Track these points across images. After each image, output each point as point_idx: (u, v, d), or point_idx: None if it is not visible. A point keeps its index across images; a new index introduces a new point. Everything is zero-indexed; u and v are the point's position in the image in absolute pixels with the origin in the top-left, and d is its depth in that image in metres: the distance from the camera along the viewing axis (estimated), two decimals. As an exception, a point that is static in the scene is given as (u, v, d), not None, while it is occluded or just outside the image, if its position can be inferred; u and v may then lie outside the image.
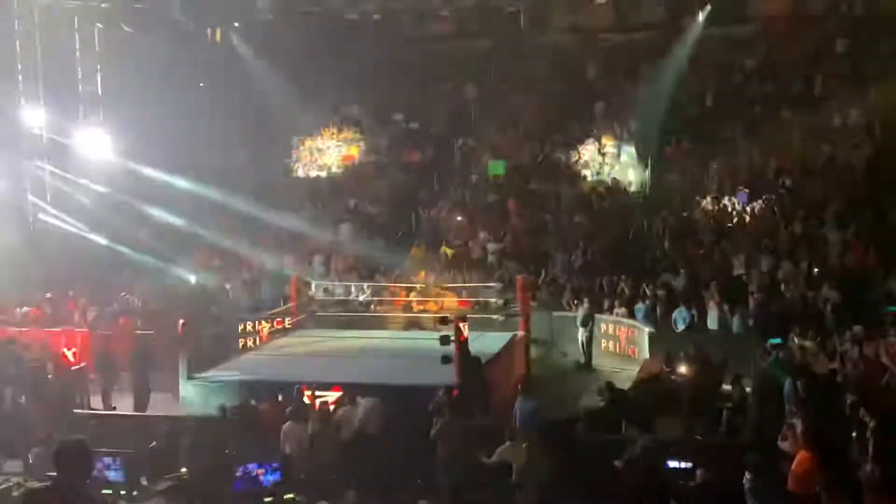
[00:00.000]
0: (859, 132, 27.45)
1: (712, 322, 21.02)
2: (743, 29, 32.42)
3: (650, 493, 12.36)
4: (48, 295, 25.04)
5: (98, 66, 29.26)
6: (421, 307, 23.98)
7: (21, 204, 27.38)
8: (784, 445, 12.44)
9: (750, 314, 20.55)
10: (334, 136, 33.57)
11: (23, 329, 21.99)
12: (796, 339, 18.07)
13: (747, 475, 11.86)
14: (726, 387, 16.31)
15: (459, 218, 28.69)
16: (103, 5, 29.11)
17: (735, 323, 20.58)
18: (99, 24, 29.03)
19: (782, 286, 21.54)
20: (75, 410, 16.93)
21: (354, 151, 33.19)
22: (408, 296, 24.80)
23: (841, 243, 22.93)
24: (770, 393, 15.63)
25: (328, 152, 33.29)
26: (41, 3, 27.56)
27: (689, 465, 12.77)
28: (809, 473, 11.54)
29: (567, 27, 33.54)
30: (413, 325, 23.26)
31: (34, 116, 27.61)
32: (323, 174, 32.66)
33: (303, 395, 15.57)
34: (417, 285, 24.79)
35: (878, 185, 25.08)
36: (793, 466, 11.86)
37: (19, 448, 13.81)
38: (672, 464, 13.08)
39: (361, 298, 25.15)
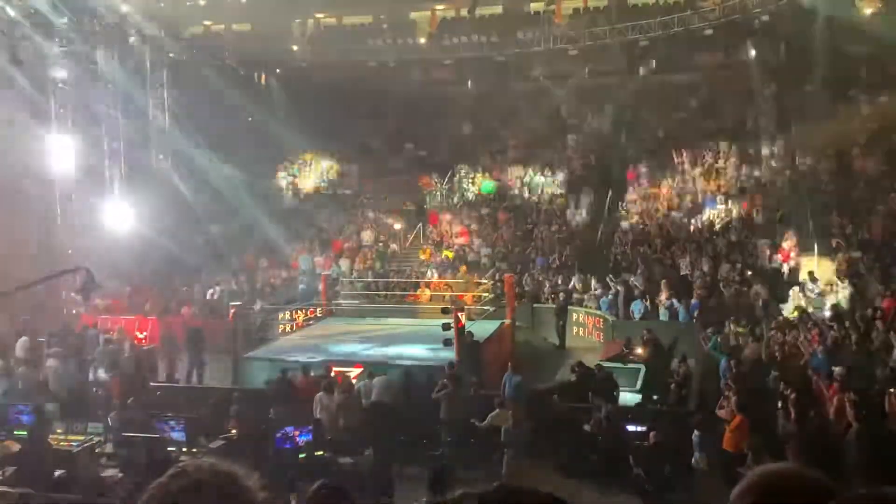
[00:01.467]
0: (783, 159, 27.44)
1: (663, 313, 20.99)
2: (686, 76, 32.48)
3: (612, 451, 12.37)
4: (127, 288, 25.03)
5: (165, 104, 29.25)
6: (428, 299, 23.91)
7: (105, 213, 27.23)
8: (721, 413, 12.45)
9: (693, 306, 20.51)
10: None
11: (104, 316, 21.98)
12: (732, 326, 18.05)
13: (696, 432, 11.85)
14: (674, 365, 16.28)
15: (459, 227, 28.66)
16: (171, 55, 29.14)
17: (681, 313, 20.53)
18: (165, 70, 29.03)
19: (720, 284, 21.52)
20: (146, 383, 16.91)
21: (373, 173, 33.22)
22: (416, 290, 24.80)
23: (768, 248, 22.90)
24: (710, 370, 15.64)
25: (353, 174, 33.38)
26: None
27: (644, 428, 12.76)
28: (741, 435, 11.55)
29: (545, 74, 33.55)
30: (423, 314, 23.21)
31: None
32: (348, 192, 32.65)
33: (331, 371, 15.55)
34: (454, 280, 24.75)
35: (797, 201, 25.07)
36: (727, 429, 11.87)
37: (101, 413, 13.78)
38: (630, 427, 13.08)
39: (380, 292, 25.15)
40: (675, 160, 28.81)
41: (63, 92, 24.78)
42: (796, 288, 19.78)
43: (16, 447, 11.52)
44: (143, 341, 20.22)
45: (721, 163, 28.38)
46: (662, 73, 32.75)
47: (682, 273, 22.87)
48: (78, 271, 10.61)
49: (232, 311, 19.51)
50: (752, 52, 30.81)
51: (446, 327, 17.05)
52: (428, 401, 14.26)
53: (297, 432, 12.37)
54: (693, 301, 20.62)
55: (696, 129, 30.60)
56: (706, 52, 32.31)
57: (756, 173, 27.22)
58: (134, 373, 16.72)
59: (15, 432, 12.28)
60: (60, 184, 24.61)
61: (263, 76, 34.55)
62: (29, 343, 18.61)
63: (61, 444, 12.03)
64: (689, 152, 29.09)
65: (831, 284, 19.51)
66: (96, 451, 12.13)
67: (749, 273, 21.65)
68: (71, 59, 25.27)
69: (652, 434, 12.22)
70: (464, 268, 25.61)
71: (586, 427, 13.14)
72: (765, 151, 28.26)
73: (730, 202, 25.98)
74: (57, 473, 10.61)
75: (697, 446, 12.07)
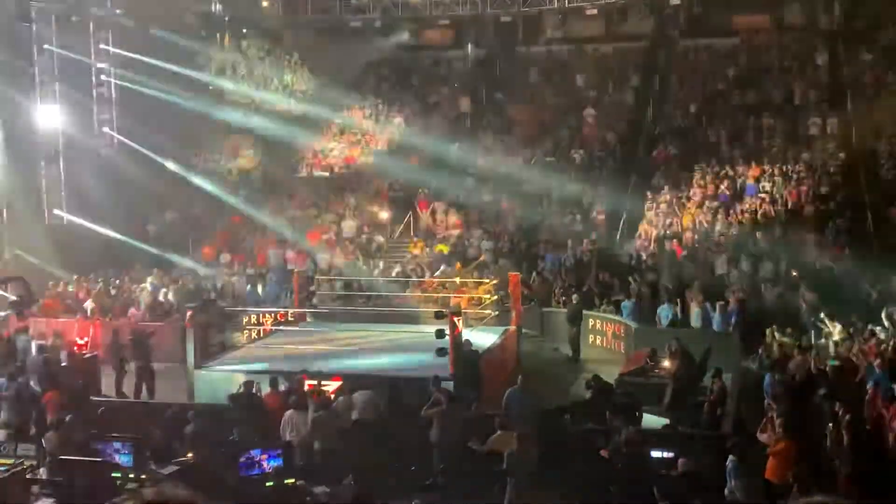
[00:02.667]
0: (837, 139, 27.53)
1: (695, 319, 21.02)
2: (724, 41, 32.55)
3: (634, 481, 12.36)
4: (62, 286, 25.03)
5: (112, 68, 29.15)
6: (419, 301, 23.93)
7: (36, 200, 27.29)
8: (763, 437, 12.47)
9: (730, 312, 20.54)
10: (337, 138, 33.56)
11: (37, 318, 21.95)
12: (775, 336, 18.09)
13: (731, 458, 11.87)
14: (707, 380, 16.30)
15: (455, 217, 28.65)
16: (118, 11, 29.05)
17: (716, 320, 20.56)
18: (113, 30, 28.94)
19: (762, 286, 21.55)
20: (87, 397, 16.87)
21: (356, 153, 33.14)
22: (405, 290, 24.79)
23: (818, 245, 22.95)
24: (749, 387, 15.67)
25: (331, 153, 33.28)
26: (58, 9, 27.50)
27: (672, 454, 12.75)
28: (786, 463, 11.56)
29: (559, 38, 33.55)
30: (412, 319, 23.21)
31: (49, 115, 27.50)
32: (326, 174, 32.59)
33: (304, 384, 15.54)
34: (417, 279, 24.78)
35: (855, 188, 25.16)
36: (770, 456, 11.89)
37: (33, 432, 13.76)
38: (655, 453, 13.07)
39: (361, 293, 25.15)
40: (710, 139, 28.86)
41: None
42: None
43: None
44: (84, 348, 20.16)
45: (764, 143, 28.44)
46: (696, 38, 32.81)
47: (717, 273, 22.90)
48: (11, 283, 10.59)
49: (188, 313, 19.46)
50: (802, 13, 30.85)
51: (440, 334, 17.04)
52: (418, 420, 14.25)
53: (264, 456, 12.35)
54: (730, 306, 20.65)
55: (735, 104, 30.66)
56: (747, 12, 32.36)
57: (805, 155, 27.26)
58: (72, 385, 16.67)
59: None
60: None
61: (227, 37, 34.46)
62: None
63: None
64: (727, 130, 29.15)
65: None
66: (27, 477, 12.10)
67: (795, 273, 21.70)
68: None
69: (680, 461, 12.22)
70: (458, 265, 25.64)
71: (603, 452, 13.13)
72: (815, 130, 28.31)
73: (774, 189, 26.02)
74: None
75: (733, 475, 12.07)
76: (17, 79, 26.61)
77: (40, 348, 18.09)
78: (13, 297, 21.47)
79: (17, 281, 22.10)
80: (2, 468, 12.05)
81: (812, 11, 31.78)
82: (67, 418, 13.65)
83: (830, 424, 12.48)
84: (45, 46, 27.40)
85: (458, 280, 24.12)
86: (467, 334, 18.07)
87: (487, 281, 23.80)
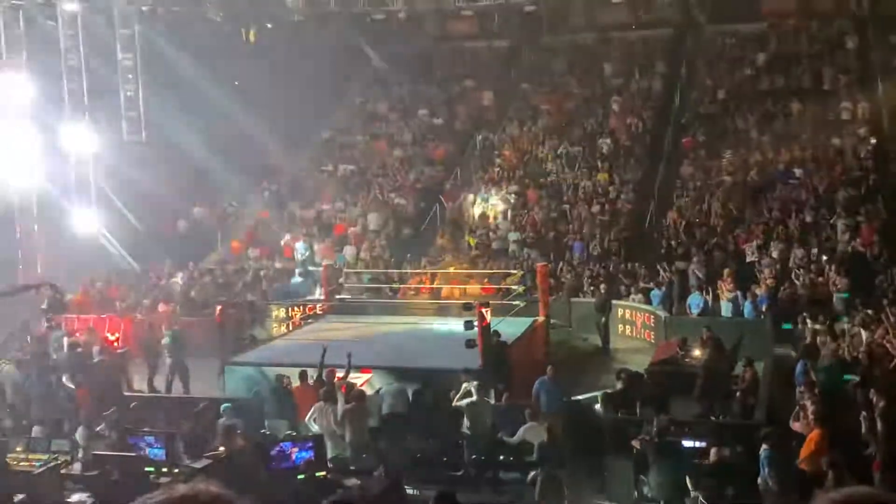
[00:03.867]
0: (868, 123, 27.26)
1: (725, 307, 20.91)
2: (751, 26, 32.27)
3: (666, 471, 12.33)
4: (98, 283, 25.29)
5: (137, 67, 29.32)
6: (447, 293, 23.95)
7: (66, 197, 27.55)
8: (796, 426, 12.39)
9: (761, 300, 20.42)
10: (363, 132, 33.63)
11: (69, 315, 22.17)
12: (808, 323, 17.96)
13: (764, 447, 11.80)
14: (739, 369, 16.22)
15: (481, 209, 28.62)
16: (143, 8, 29.19)
17: (747, 308, 20.44)
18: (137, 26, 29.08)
19: (793, 273, 21.41)
20: (119, 393, 17.04)
21: (381, 145, 33.19)
22: (432, 282, 24.81)
23: (849, 230, 22.76)
24: (781, 375, 15.57)
25: (357, 147, 33.37)
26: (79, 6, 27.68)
27: (703, 444, 12.72)
28: (819, 452, 11.48)
29: (584, 26, 33.40)
30: (441, 311, 23.24)
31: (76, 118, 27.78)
32: (351, 167, 32.63)
33: (333, 377, 15.60)
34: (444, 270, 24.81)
35: (886, 173, 24.92)
36: (804, 445, 11.81)
37: (67, 428, 13.91)
38: (687, 443, 13.04)
39: (390, 286, 25.22)
40: (739, 125, 28.66)
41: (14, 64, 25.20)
42: None
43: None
44: (115, 344, 20.36)
45: (794, 128, 28.19)
46: (723, 23, 32.55)
47: (747, 260, 22.77)
48: (42, 287, 10.68)
49: (218, 308, 19.60)
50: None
51: (469, 326, 17.05)
52: (448, 412, 14.27)
53: (295, 449, 12.42)
54: (760, 293, 20.51)
55: (764, 89, 30.42)
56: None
57: (835, 141, 27.01)
58: (105, 381, 16.84)
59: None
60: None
61: (252, 32, 34.57)
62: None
63: (21, 464, 12.16)
64: (755, 116, 28.93)
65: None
66: (62, 472, 12.25)
67: (826, 259, 21.53)
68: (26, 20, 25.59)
69: (713, 450, 12.18)
70: (446, 238, 25.83)
71: (635, 443, 13.11)
72: (845, 115, 28.04)
73: (804, 175, 25.80)
74: (16, 499, 10.73)
75: (766, 464, 12.00)
76: (48, 77, 26.86)
77: (73, 345, 18.28)
78: (44, 304, 21.68)
79: (48, 286, 22.33)
80: (36, 463, 12.21)
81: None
82: (101, 414, 13.82)
83: (864, 412, 12.38)
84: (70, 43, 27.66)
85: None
86: (496, 325, 18.07)
87: (515, 272, 23.82)
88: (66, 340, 18.84)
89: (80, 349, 18.05)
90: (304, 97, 32.02)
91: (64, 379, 17.13)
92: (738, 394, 15.51)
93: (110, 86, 28.69)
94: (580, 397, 16.11)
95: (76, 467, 12.44)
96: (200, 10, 30.63)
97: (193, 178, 30.48)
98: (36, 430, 13.77)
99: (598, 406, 15.05)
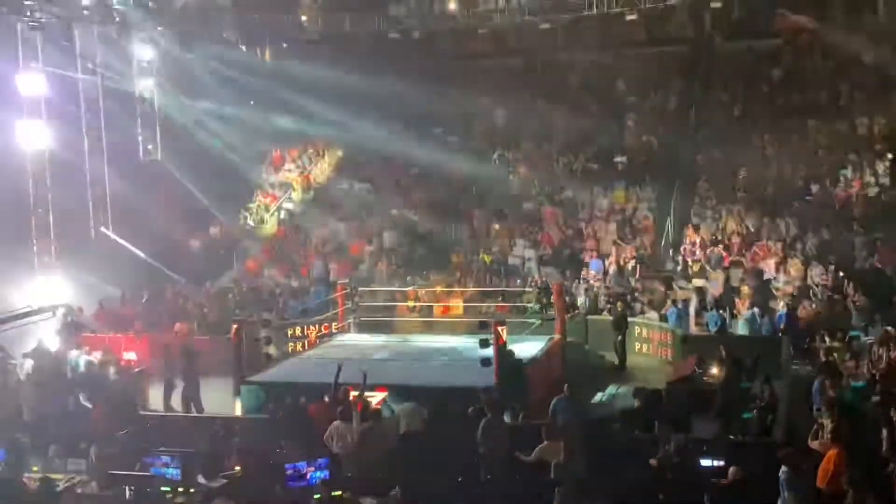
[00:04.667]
0: (885, 140, 27.14)
1: (743, 325, 20.80)
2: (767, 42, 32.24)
3: (684, 490, 12.26)
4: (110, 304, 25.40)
5: (152, 85, 29.54)
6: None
7: (83, 216, 27.76)
8: (815, 444, 12.30)
9: (779, 317, 20.32)
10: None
11: (86, 334, 22.26)
12: (826, 340, 17.86)
13: (783, 468, 11.71)
14: (757, 388, 16.11)
15: (497, 226, 28.61)
16: (159, 28, 29.40)
17: (765, 325, 20.34)
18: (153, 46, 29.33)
19: (810, 290, 21.30)
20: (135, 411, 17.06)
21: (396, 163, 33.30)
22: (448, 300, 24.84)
23: (867, 247, 22.64)
24: (800, 393, 15.48)
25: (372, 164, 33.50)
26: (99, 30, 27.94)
27: (722, 463, 12.62)
28: (838, 471, 11.38)
29: (599, 43, 33.41)
30: (457, 328, 23.22)
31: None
32: (367, 185, 32.71)
33: (349, 395, 15.58)
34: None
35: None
36: (822, 464, 11.71)
37: (83, 447, 13.93)
38: (705, 462, 12.95)
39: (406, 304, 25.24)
40: (755, 142, 28.60)
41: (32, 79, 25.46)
42: None
43: (-15, 488, 11.68)
44: (132, 363, 20.41)
45: (810, 144, 28.11)
46: (738, 40, 32.52)
47: (765, 277, 22.67)
48: (58, 309, 10.74)
49: (234, 326, 19.65)
50: (846, 13, 30.47)
51: (484, 344, 17.02)
52: (463, 431, 14.22)
53: (310, 468, 12.40)
54: (779, 310, 20.40)
55: (779, 106, 30.34)
56: (791, 12, 32.02)
57: (852, 157, 26.90)
58: (121, 400, 16.87)
59: (-15, 471, 12.46)
60: (35, 174, 25.41)
61: (267, 52, 34.79)
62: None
63: (37, 483, 12.17)
64: (772, 132, 28.85)
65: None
66: (78, 491, 12.27)
67: (843, 276, 21.41)
68: (44, 38, 25.82)
69: (731, 469, 12.08)
70: (461, 256, 26.09)
71: (652, 461, 13.04)
72: (862, 131, 27.93)
73: (820, 191, 25.70)
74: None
75: (785, 484, 11.90)
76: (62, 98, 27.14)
77: (90, 364, 18.34)
78: (59, 325, 21.81)
79: (62, 308, 22.45)
80: (54, 483, 12.23)
81: (857, 10, 31.32)
82: (118, 434, 13.85)
83: (885, 430, 12.28)
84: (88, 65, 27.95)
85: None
86: (512, 343, 18.04)
87: (530, 290, 23.79)
88: (83, 359, 18.91)
89: (96, 368, 18.11)
90: (320, 115, 32.12)
91: (81, 398, 17.18)
92: (755, 412, 15.41)
93: (127, 104, 28.96)
94: (597, 416, 16.03)
95: (92, 486, 12.45)
96: (216, 31, 30.84)
97: (208, 197, 30.60)
98: (53, 449, 13.81)
99: (615, 425, 14.98)
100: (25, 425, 15.92)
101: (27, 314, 21.13)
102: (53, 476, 12.44)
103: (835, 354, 17.13)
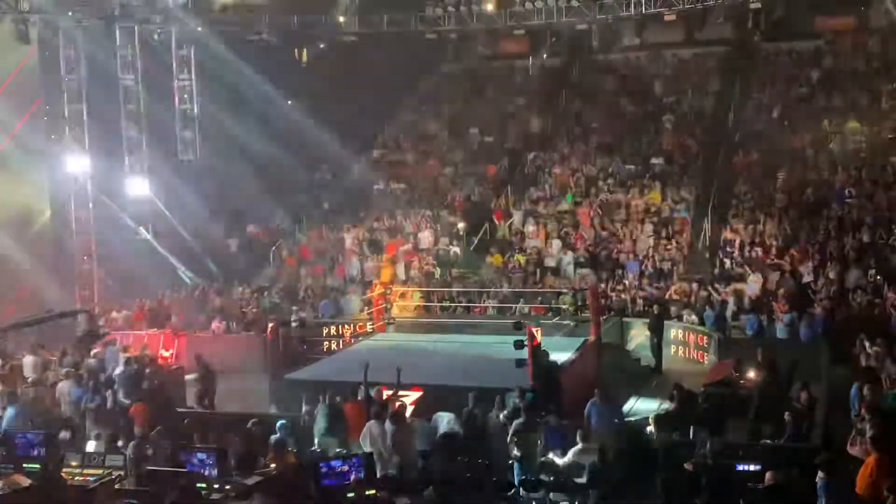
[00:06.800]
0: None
1: (781, 329, 20.60)
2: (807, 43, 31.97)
3: (719, 494, 12.17)
4: (148, 303, 25.66)
5: (192, 86, 29.76)
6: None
7: (120, 220, 28.07)
8: (854, 451, 12.13)
9: (818, 321, 20.10)
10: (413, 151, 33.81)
11: (123, 332, 22.50)
12: (866, 345, 17.62)
13: (820, 475, 11.58)
14: (794, 392, 15.94)
15: (533, 227, 28.54)
16: (199, 29, 29.63)
17: (803, 329, 20.13)
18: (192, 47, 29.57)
19: (850, 294, 21.05)
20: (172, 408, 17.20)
21: (432, 164, 33.33)
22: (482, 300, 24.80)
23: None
24: (839, 398, 15.29)
25: (408, 165, 33.55)
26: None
27: (758, 467, 12.50)
28: (878, 478, 11.21)
29: (636, 44, 33.27)
30: (491, 329, 23.20)
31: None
32: (402, 185, 32.78)
33: (382, 395, 15.62)
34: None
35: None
36: (861, 470, 11.56)
37: (121, 443, 14.07)
38: (741, 466, 12.84)
39: (440, 304, 25.26)
40: (794, 144, 28.34)
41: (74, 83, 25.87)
42: None
43: (26, 482, 11.81)
44: (169, 360, 20.60)
45: (849, 146, 27.79)
46: (778, 41, 32.23)
47: (803, 281, 22.44)
48: (79, 315, 10.82)
49: (270, 325, 19.75)
50: (887, 14, 30.10)
51: (518, 345, 16.98)
52: (498, 431, 14.19)
53: (345, 467, 12.41)
54: (817, 314, 20.19)
55: (819, 108, 30.03)
56: (831, 13, 31.71)
57: (892, 159, 26.56)
58: (158, 397, 17.03)
59: (24, 465, 12.59)
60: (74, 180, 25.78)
61: (305, 53, 34.97)
62: (38, 362, 19.12)
63: (76, 478, 12.30)
64: (811, 134, 28.58)
65: None
66: (115, 487, 12.37)
67: (883, 280, 21.14)
68: (86, 39, 26.16)
69: (768, 475, 11.95)
70: (497, 256, 25.83)
71: (688, 465, 12.95)
72: (903, 134, 27.60)
73: (860, 194, 25.40)
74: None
75: (823, 491, 11.77)
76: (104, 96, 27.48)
77: (127, 361, 18.53)
78: (80, 331, 22.04)
79: (84, 314, 22.71)
80: (91, 478, 12.36)
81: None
82: (155, 431, 13.96)
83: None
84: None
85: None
86: (546, 344, 17.99)
87: (566, 291, 23.72)
88: (121, 356, 19.11)
89: (134, 365, 18.28)
90: (356, 116, 32.25)
91: (119, 395, 17.36)
92: (793, 416, 15.24)
93: (166, 104, 29.22)
94: (632, 419, 15.94)
95: (129, 483, 12.56)
96: (254, 31, 31.04)
97: (246, 196, 30.83)
98: (91, 445, 13.95)
99: (650, 428, 14.89)
100: (65, 421, 16.10)
101: (47, 319, 21.50)
102: (91, 472, 12.57)
103: (874, 359, 16.88)
